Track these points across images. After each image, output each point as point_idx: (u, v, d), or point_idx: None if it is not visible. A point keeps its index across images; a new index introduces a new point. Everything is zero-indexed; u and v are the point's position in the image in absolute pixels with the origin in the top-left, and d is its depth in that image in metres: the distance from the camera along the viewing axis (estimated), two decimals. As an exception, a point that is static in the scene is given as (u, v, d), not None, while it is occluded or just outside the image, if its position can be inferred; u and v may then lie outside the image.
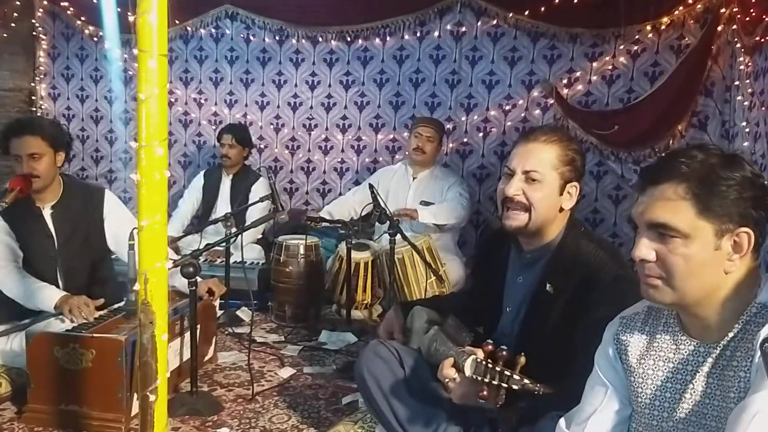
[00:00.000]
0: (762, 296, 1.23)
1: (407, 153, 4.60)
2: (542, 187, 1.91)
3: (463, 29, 4.82)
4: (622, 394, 1.42)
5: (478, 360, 1.61)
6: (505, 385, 1.54)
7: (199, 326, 2.92)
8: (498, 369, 1.56)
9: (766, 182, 1.23)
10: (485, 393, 1.57)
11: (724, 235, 1.21)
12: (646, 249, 1.25)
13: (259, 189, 4.50)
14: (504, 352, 1.58)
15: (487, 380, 1.56)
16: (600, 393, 1.45)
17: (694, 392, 1.27)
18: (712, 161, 1.23)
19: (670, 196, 1.23)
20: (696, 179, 1.21)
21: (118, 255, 3.09)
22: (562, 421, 1.54)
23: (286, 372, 3.13)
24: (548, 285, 1.93)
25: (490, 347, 1.61)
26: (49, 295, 2.77)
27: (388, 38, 4.98)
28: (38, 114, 5.48)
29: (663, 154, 1.36)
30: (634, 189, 1.34)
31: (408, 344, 2.32)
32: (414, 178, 4.43)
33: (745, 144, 3.76)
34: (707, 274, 1.22)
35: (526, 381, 1.53)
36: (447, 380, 1.74)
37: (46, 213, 2.93)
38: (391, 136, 5.10)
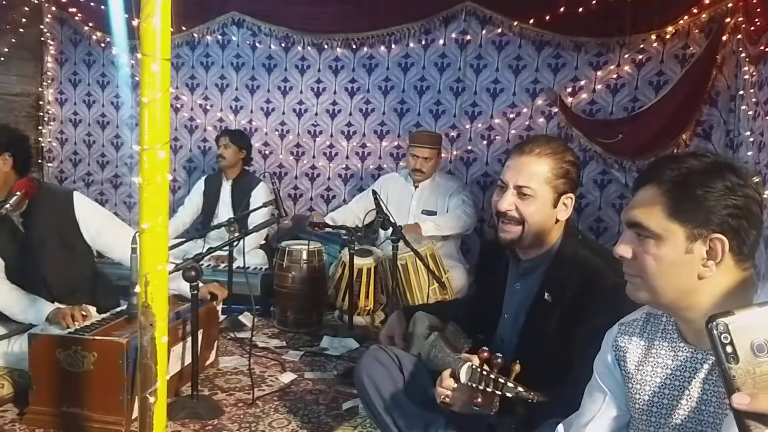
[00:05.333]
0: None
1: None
2: (534, 201, 1.90)
3: (468, 37, 4.85)
4: (620, 401, 1.42)
5: (473, 367, 1.61)
6: (499, 392, 1.54)
7: (201, 330, 2.93)
8: (492, 376, 1.56)
9: (751, 192, 1.22)
10: (479, 400, 1.57)
11: (697, 240, 1.22)
12: (623, 247, 1.30)
13: (259, 194, 4.52)
14: (499, 360, 1.58)
15: (481, 387, 1.57)
16: (599, 399, 1.45)
17: (690, 398, 1.27)
18: (696, 167, 1.25)
19: (647, 198, 1.27)
20: (672, 183, 1.24)
21: (105, 255, 3.08)
22: (560, 427, 1.54)
23: (287, 377, 3.13)
24: (546, 293, 1.93)
25: (485, 354, 1.61)
26: (40, 309, 2.76)
27: (393, 46, 5.00)
28: (44, 118, 5.53)
29: (656, 158, 1.38)
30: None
31: (409, 349, 2.32)
32: (416, 187, 4.44)
33: (749, 153, 3.75)
34: (679, 276, 1.24)
35: (519, 389, 1.53)
36: (446, 392, 1.73)
37: (16, 220, 2.88)
38: (396, 143, 5.12)
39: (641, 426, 1.36)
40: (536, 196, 1.90)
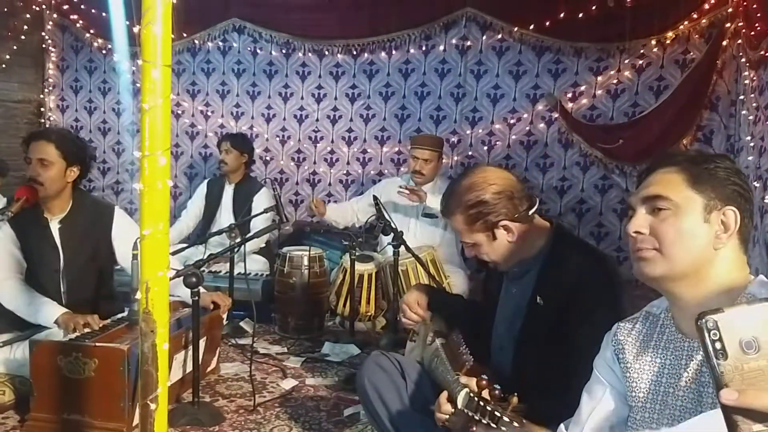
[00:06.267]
0: (752, 290, 1.25)
1: (411, 166, 4.62)
2: (481, 245, 2.00)
3: (468, 43, 4.86)
4: (620, 394, 1.43)
5: (471, 395, 1.60)
6: (494, 426, 1.53)
7: (206, 337, 2.93)
8: (489, 408, 1.52)
9: (745, 179, 1.32)
10: (474, 429, 1.56)
11: (713, 211, 1.27)
12: (640, 222, 1.32)
13: (261, 199, 4.49)
14: (497, 391, 1.56)
15: (477, 418, 1.55)
16: (598, 392, 1.46)
17: (688, 382, 1.28)
18: (704, 153, 1.36)
19: (662, 175, 1.33)
20: (686, 160, 1.33)
21: (125, 270, 3.09)
22: (562, 427, 1.54)
23: (289, 383, 3.13)
24: (538, 297, 1.94)
25: (484, 383, 1.60)
26: (50, 312, 2.76)
27: (393, 52, 5.01)
28: (46, 125, 5.54)
29: (660, 152, 1.44)
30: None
31: (425, 327, 2.32)
32: (418, 191, 4.43)
33: (750, 158, 3.76)
34: (697, 245, 1.28)
35: (515, 424, 1.51)
36: (444, 417, 1.73)
37: (54, 226, 2.92)
38: (396, 149, 5.13)
39: (640, 415, 1.36)
40: (477, 242, 2.00)
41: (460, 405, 1.62)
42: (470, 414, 1.57)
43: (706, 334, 0.81)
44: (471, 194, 1.96)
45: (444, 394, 1.75)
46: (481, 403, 1.55)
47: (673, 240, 1.28)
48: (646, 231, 1.31)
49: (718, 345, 0.80)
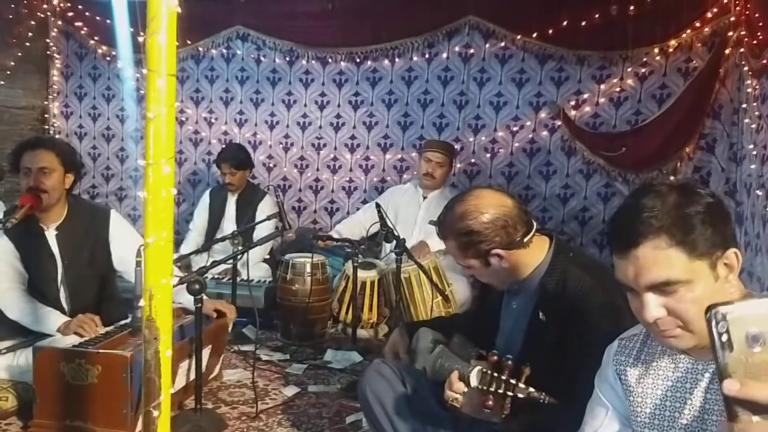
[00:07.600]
0: None
1: (415, 173, 4.62)
2: (475, 269, 2.01)
3: (471, 51, 4.87)
4: (622, 416, 1.42)
5: (484, 370, 1.63)
6: (510, 393, 1.56)
7: (211, 345, 2.93)
8: (503, 378, 1.57)
9: (716, 198, 1.25)
10: (491, 403, 1.57)
11: (717, 263, 1.22)
12: (655, 309, 1.23)
13: (265, 207, 4.48)
14: (509, 362, 1.59)
15: (492, 390, 1.57)
16: (600, 414, 1.45)
17: (693, 408, 1.27)
18: (671, 202, 1.23)
19: (653, 255, 1.21)
20: (672, 227, 1.21)
21: (123, 275, 3.09)
22: (566, 443, 1.54)
23: (291, 390, 3.13)
24: (541, 313, 1.93)
25: (495, 357, 1.62)
26: (52, 320, 2.77)
27: (396, 59, 5.03)
28: (50, 132, 5.55)
29: (620, 216, 1.31)
30: (610, 250, 1.33)
31: (413, 365, 2.32)
32: (424, 198, 4.44)
33: (753, 167, 3.75)
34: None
35: (531, 390, 1.55)
36: (455, 396, 1.73)
37: (50, 234, 2.92)
38: (399, 156, 5.13)
39: None
40: (469, 266, 2.01)
41: (474, 382, 1.64)
42: (484, 388, 1.60)
43: (714, 326, 0.82)
44: (462, 223, 1.94)
45: (455, 373, 1.75)
46: (495, 374, 1.58)
47: (696, 314, 1.20)
48: (664, 314, 1.23)
49: (724, 337, 0.81)
